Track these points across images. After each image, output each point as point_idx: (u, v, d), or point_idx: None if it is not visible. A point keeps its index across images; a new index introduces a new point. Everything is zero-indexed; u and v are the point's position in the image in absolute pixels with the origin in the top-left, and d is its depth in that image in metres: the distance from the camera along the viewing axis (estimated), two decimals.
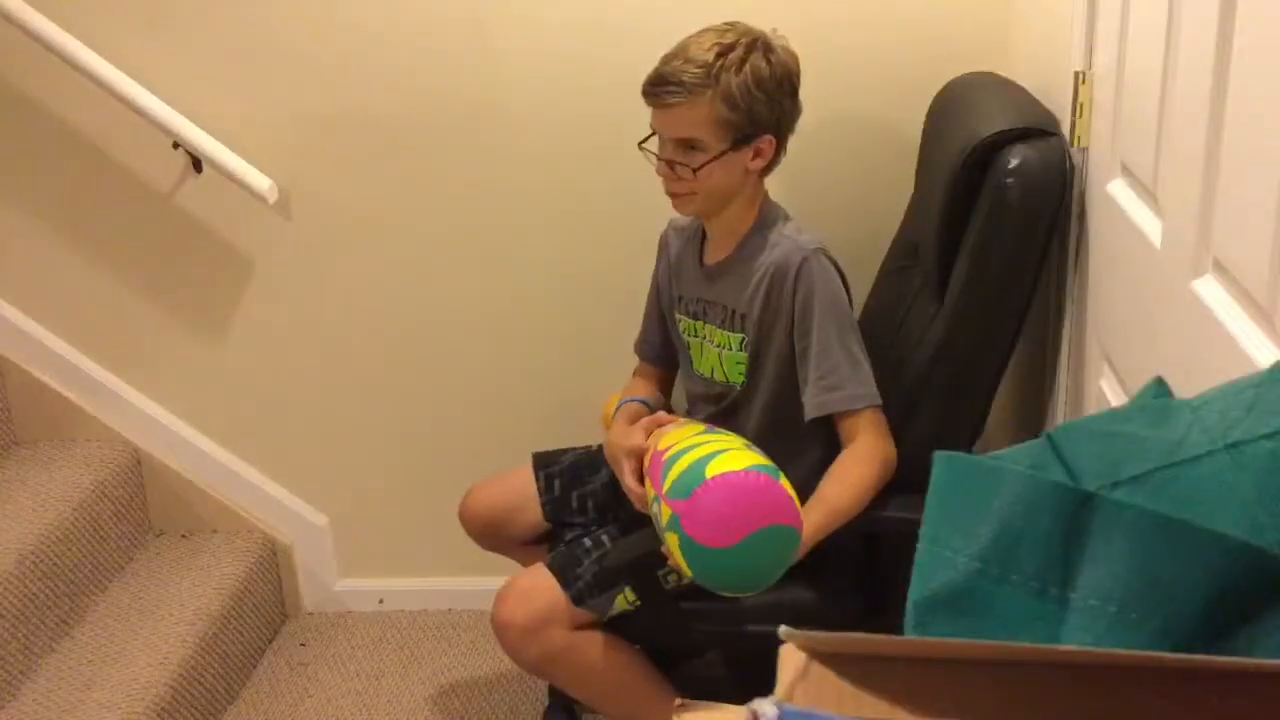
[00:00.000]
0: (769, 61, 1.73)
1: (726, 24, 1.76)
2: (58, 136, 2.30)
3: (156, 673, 2.11)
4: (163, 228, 2.36)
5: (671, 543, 1.58)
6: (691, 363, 1.95)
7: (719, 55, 1.71)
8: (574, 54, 2.19)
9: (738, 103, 1.71)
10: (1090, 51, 1.59)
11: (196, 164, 2.28)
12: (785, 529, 1.56)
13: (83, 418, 2.47)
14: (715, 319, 1.87)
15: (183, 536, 2.53)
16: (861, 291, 2.10)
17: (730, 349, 1.85)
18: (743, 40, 1.73)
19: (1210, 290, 1.12)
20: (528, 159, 2.27)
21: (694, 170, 1.75)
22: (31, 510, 2.24)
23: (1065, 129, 1.66)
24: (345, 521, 2.59)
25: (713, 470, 1.56)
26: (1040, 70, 1.86)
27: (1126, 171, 1.46)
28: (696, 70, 1.70)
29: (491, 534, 2.12)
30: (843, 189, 2.21)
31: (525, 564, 2.03)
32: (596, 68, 2.17)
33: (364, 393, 2.47)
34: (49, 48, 2.17)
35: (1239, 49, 1.04)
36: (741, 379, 1.85)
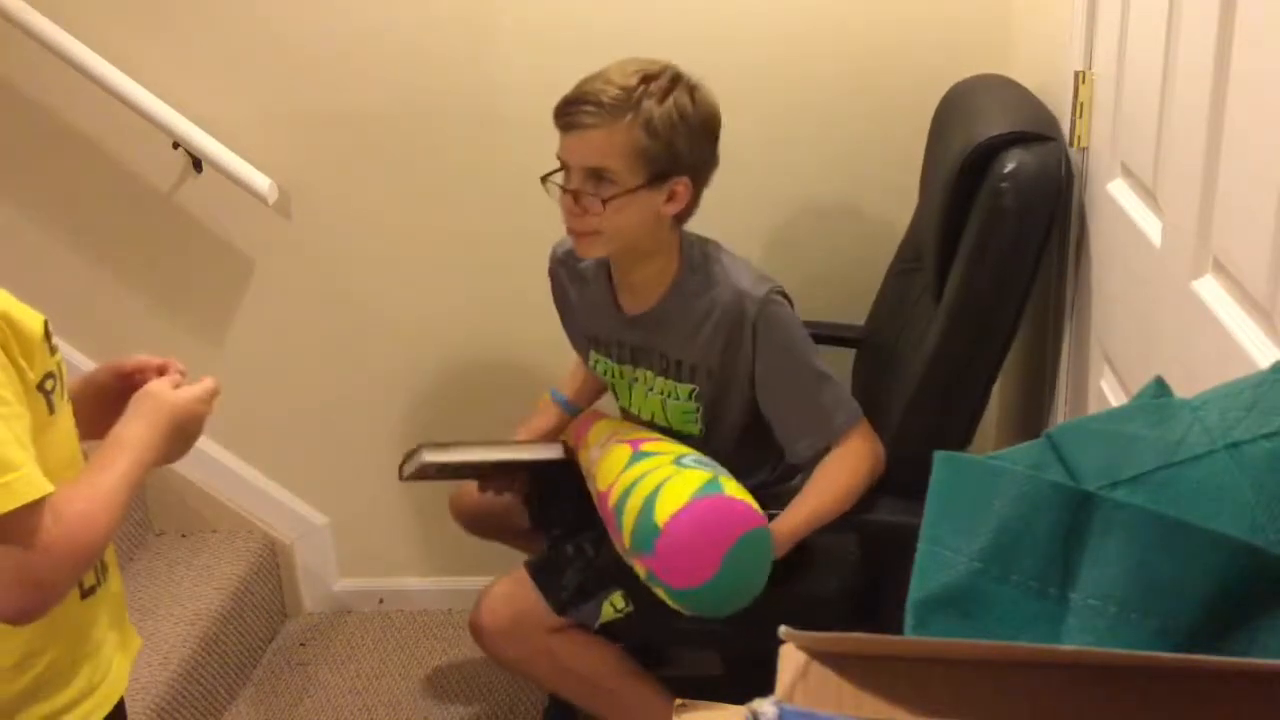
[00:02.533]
0: (693, 100, 1.63)
1: (653, 60, 1.66)
2: (58, 136, 2.30)
3: (156, 673, 2.11)
4: (163, 228, 2.36)
5: (660, 594, 1.59)
6: (618, 398, 1.91)
7: (642, 81, 1.60)
8: (573, 55, 2.18)
9: (658, 131, 1.59)
10: (1090, 51, 1.59)
11: (196, 164, 2.28)
12: (751, 534, 1.55)
13: None
14: (651, 365, 1.80)
15: (183, 536, 2.54)
16: (868, 293, 2.10)
17: (677, 399, 1.79)
18: (668, 72, 1.63)
19: (1210, 290, 1.12)
20: (526, 159, 2.25)
21: (603, 201, 1.61)
22: None
23: (1065, 129, 1.66)
24: (345, 521, 2.60)
25: (661, 515, 1.54)
26: (1040, 70, 1.86)
27: (1126, 171, 1.46)
28: (617, 92, 1.59)
29: (481, 529, 2.14)
30: (850, 191, 2.21)
31: (524, 550, 2.04)
32: (596, 69, 2.17)
33: (364, 392, 2.47)
34: (49, 48, 2.17)
35: (1239, 49, 1.04)
36: (698, 429, 1.80)
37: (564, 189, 1.66)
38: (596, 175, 1.63)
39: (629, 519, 1.59)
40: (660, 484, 1.58)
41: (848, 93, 2.15)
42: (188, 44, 2.23)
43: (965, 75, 1.95)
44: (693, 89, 1.64)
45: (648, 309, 1.77)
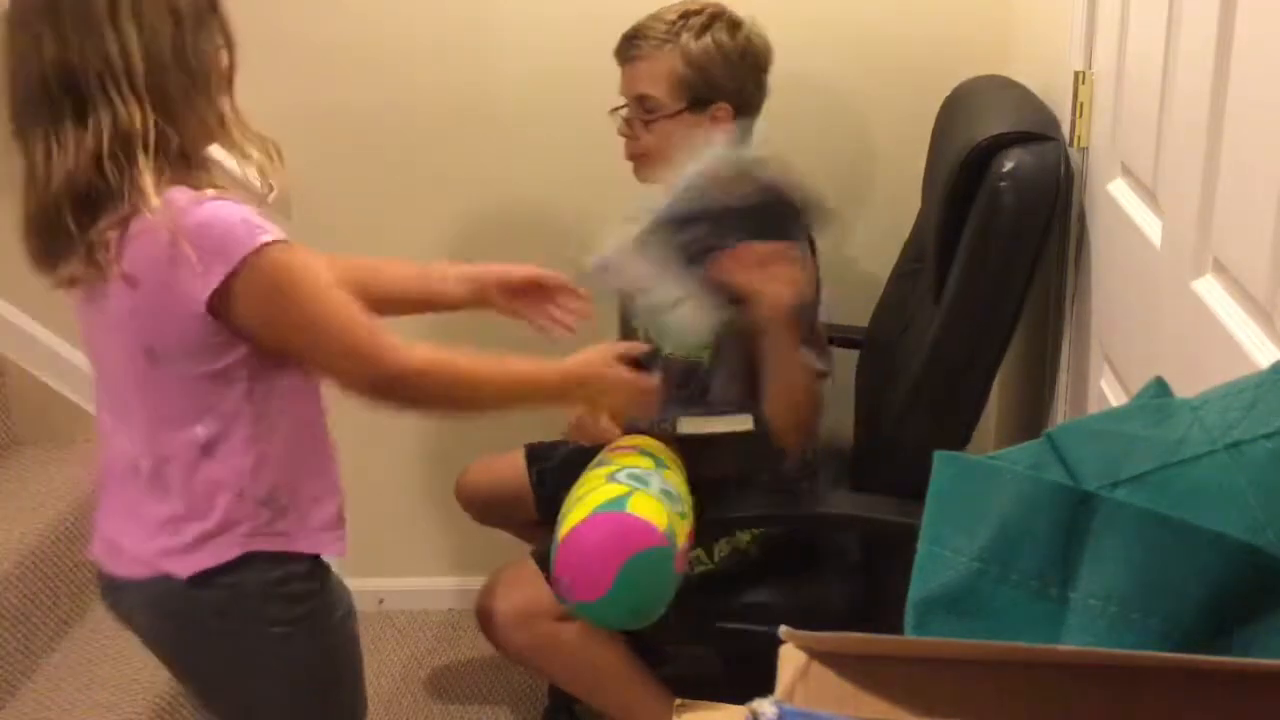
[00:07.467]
0: (732, 35, 1.77)
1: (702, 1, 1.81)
2: None
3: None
4: None
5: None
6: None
7: (682, 16, 1.77)
8: (573, 53, 2.19)
9: (696, 61, 1.75)
10: (1090, 51, 1.59)
11: None
12: (645, 553, 1.51)
13: (83, 418, 2.46)
14: None
15: None
16: (872, 295, 2.10)
17: None
18: (708, 10, 1.78)
19: (1210, 290, 1.12)
20: (526, 157, 2.28)
21: (645, 124, 1.78)
22: (31, 510, 2.24)
23: (1065, 129, 1.66)
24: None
25: (563, 529, 1.54)
26: (1040, 70, 1.86)
27: (1126, 171, 1.46)
28: (661, 26, 1.77)
29: (487, 516, 2.15)
30: (853, 193, 2.21)
31: (528, 540, 2.04)
32: (596, 67, 2.17)
33: None
34: None
35: (1239, 49, 1.04)
36: (705, 355, 1.81)
37: (623, 119, 1.85)
38: (643, 102, 1.80)
39: (557, 527, 1.59)
40: (580, 497, 1.57)
41: (849, 94, 2.16)
42: None
43: (966, 76, 1.96)
44: (734, 25, 1.79)
45: None
